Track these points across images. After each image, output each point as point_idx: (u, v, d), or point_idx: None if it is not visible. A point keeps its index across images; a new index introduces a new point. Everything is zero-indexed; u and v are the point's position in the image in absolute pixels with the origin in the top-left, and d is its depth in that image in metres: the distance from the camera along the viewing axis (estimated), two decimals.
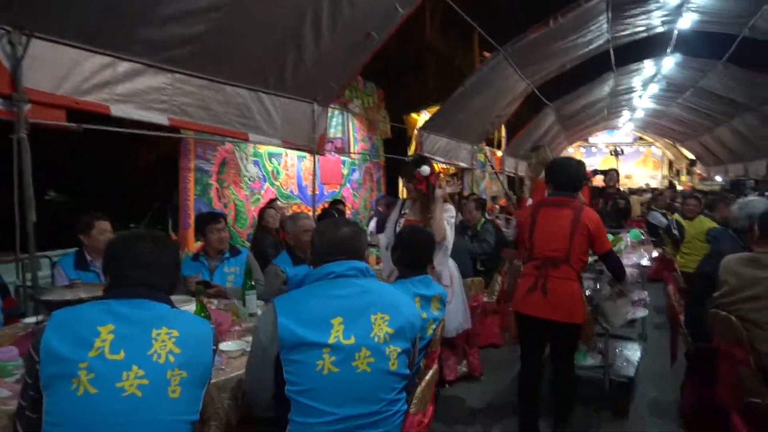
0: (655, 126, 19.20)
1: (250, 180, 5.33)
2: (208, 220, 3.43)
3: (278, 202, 5.06)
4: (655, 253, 4.37)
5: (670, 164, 23.80)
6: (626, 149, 24.91)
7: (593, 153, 25.90)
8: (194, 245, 4.60)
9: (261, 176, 5.54)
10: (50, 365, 1.38)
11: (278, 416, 1.78)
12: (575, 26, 7.63)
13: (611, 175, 7.21)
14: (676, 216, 5.71)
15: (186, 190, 4.45)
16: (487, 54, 16.60)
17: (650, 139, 23.29)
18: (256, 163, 5.47)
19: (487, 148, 12.08)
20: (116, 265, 1.59)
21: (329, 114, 5.73)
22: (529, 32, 7.30)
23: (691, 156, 19.97)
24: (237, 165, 5.15)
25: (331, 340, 1.71)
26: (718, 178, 18.26)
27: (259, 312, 2.78)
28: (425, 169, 3.32)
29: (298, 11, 4.21)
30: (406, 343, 1.84)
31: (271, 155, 5.76)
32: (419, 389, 1.87)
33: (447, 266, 3.43)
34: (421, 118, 10.97)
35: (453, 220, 3.43)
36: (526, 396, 3.11)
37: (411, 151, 10.66)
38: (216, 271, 3.36)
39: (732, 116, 12.92)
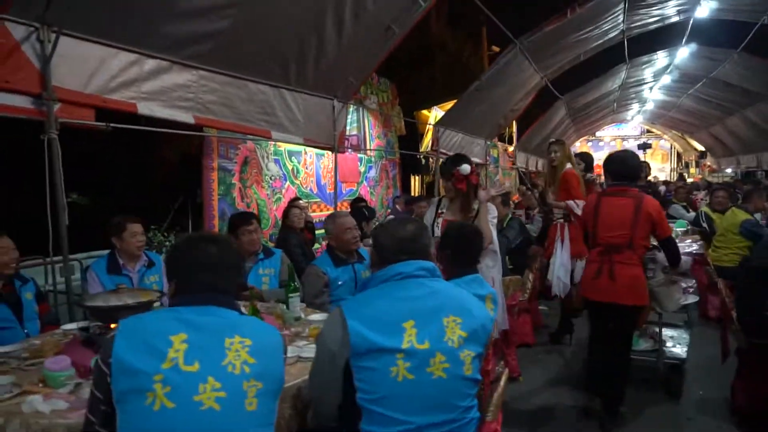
0: (664, 118, 19.03)
1: (271, 179, 5.24)
2: (240, 221, 3.34)
3: (301, 202, 4.96)
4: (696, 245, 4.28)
5: (679, 156, 23.65)
6: (634, 142, 24.84)
7: (600, 147, 25.74)
8: None
9: (282, 175, 5.44)
10: (123, 378, 1.28)
11: (344, 427, 1.68)
12: (592, 17, 7.50)
13: (643, 168, 7.09)
14: (705, 209, 5.60)
15: (210, 189, 4.36)
16: (495, 48, 16.48)
17: (658, 132, 23.13)
18: (276, 161, 5.38)
19: (499, 143, 11.98)
20: (181, 269, 1.49)
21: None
22: (545, 24, 7.18)
23: (701, 148, 19.80)
24: (258, 164, 5.05)
25: (405, 345, 1.61)
26: (729, 170, 18.13)
27: (304, 316, 2.69)
28: (465, 168, 3.22)
29: (321, 4, 4.12)
30: (480, 347, 1.74)
31: (291, 153, 5.66)
32: (495, 396, 1.78)
33: (498, 271, 3.31)
34: (432, 114, 10.88)
35: (495, 221, 3.32)
36: (600, 376, 3.26)
37: (423, 147, 10.57)
38: (250, 272, 3.26)
39: (745, 106, 12.77)
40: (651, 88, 14.45)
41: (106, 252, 3.48)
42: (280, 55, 4.30)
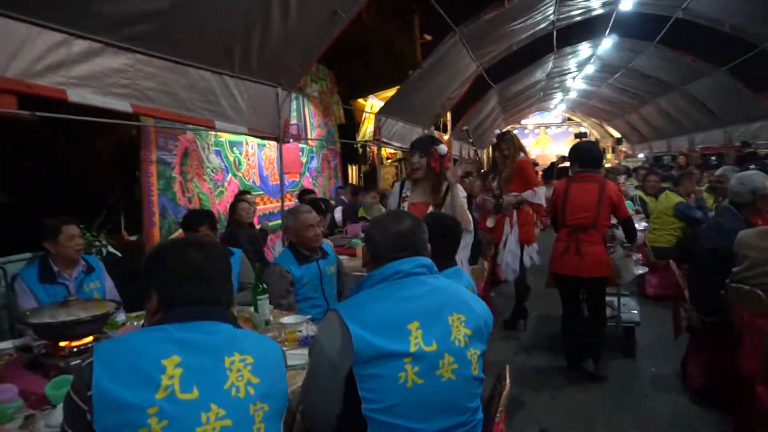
0: (584, 106, 20.04)
1: (213, 171, 4.90)
2: (195, 222, 3.10)
3: (249, 195, 4.69)
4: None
5: (597, 143, 25.02)
6: (556, 130, 26.00)
7: (525, 134, 26.78)
8: None
9: (224, 167, 5.11)
10: (109, 414, 1.08)
11: None
12: (527, 7, 7.68)
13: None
14: (639, 192, 5.89)
15: (149, 184, 3.99)
16: (428, 37, 16.56)
17: (578, 119, 24.32)
18: (218, 153, 5.04)
19: (435, 132, 12.06)
20: (166, 280, 1.29)
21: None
22: (484, 13, 7.24)
23: (617, 134, 21.04)
24: (199, 156, 4.71)
25: (413, 349, 1.51)
26: (641, 155, 19.41)
27: (272, 319, 2.50)
28: (443, 148, 3.13)
29: None
30: (483, 345, 1.66)
31: (232, 144, 5.34)
32: (503, 395, 1.71)
33: (466, 254, 3.25)
34: (368, 102, 10.76)
35: (465, 202, 3.23)
36: (572, 335, 3.78)
37: (360, 136, 10.44)
38: None
39: (659, 95, 13.68)
40: (574, 78, 15.12)
41: (29, 255, 3.11)
42: (224, 40, 4.01)
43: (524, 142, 25.03)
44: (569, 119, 24.91)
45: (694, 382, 3.24)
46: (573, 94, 17.85)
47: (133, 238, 5.13)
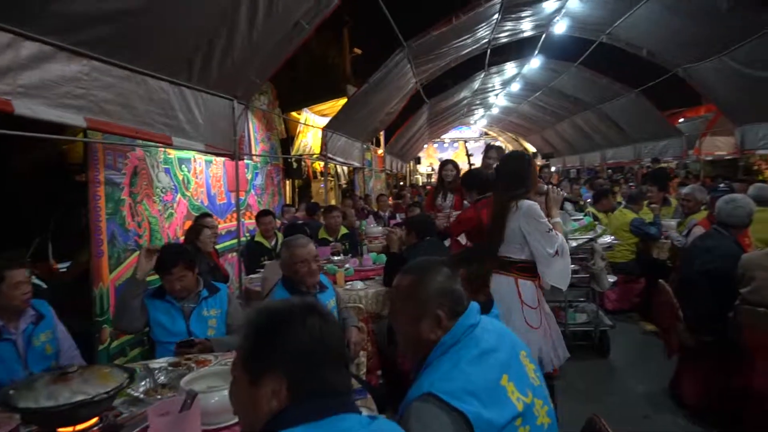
0: (504, 122, 20.89)
1: (162, 192, 4.37)
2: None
3: (209, 219, 4.22)
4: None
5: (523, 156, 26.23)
6: (474, 144, 26.96)
7: (445, 148, 27.55)
8: (110, 279, 3.62)
9: (173, 186, 4.59)
10: None
11: None
12: (470, 24, 7.78)
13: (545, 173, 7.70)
14: (592, 209, 6.08)
15: (96, 208, 3.44)
16: (357, 51, 16.47)
17: (494, 134, 25.34)
18: (167, 171, 4.51)
19: (372, 146, 11.95)
20: (296, 362, 0.99)
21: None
22: (433, 29, 7.24)
23: (533, 149, 22.13)
24: (149, 174, 4.17)
25: (519, 407, 1.33)
26: (553, 169, 20.57)
27: None
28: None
29: None
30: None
31: (181, 161, 4.81)
32: None
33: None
34: (303, 116, 10.43)
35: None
36: None
37: (294, 150, 10.07)
38: (193, 315, 2.60)
39: (575, 113, 14.52)
40: (497, 95, 15.70)
41: None
42: (186, 48, 3.60)
43: (443, 155, 25.78)
44: (486, 134, 25.90)
45: (689, 401, 3.29)
46: (495, 110, 18.55)
47: (63, 267, 4.46)
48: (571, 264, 4.35)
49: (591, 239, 4.27)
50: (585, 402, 3.62)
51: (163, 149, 4.38)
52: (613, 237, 4.86)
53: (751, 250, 3.20)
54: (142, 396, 1.97)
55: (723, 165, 13.94)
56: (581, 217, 5.24)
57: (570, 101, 13.74)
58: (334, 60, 13.72)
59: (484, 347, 1.40)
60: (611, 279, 4.48)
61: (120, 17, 2.88)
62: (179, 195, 4.71)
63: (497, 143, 25.93)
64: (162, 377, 2.15)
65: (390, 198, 11.61)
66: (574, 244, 4.34)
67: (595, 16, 8.41)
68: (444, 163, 5.27)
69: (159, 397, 1.96)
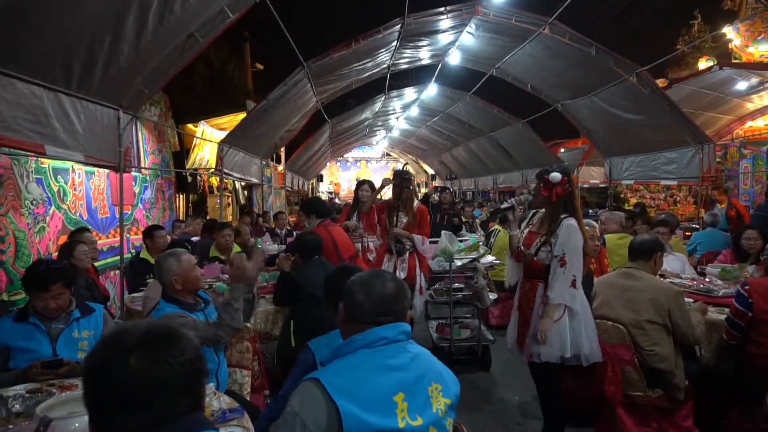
0: (404, 144, 21.60)
1: (32, 204, 4.02)
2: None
3: (88, 234, 3.92)
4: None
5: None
6: (376, 164, 27.56)
7: (348, 167, 27.90)
8: None
9: (46, 198, 4.23)
10: None
11: None
12: (370, 50, 8.04)
13: (445, 195, 7.96)
14: (497, 226, 6.43)
15: None
16: (259, 66, 16.26)
17: (396, 155, 26.11)
18: (39, 181, 4.15)
19: (272, 163, 11.80)
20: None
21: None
22: (333, 51, 7.39)
23: (431, 171, 23.08)
24: (16, 185, 3.81)
25: (401, 424, 1.39)
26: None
27: None
28: (555, 176, 2.98)
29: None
30: (455, 414, 1.62)
31: (57, 172, 4.45)
32: None
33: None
34: (200, 128, 10.11)
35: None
36: None
37: (189, 164, 9.70)
38: (60, 338, 2.41)
39: (469, 138, 15.41)
40: (398, 118, 16.24)
41: None
42: (64, 51, 3.39)
43: (346, 174, 26.08)
44: (388, 154, 26.62)
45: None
46: (395, 132, 19.14)
47: None
48: (456, 282, 4.68)
49: (474, 259, 4.53)
50: (467, 412, 3.84)
51: (34, 158, 4.05)
52: (495, 257, 5.19)
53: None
54: None
55: (597, 192, 15.44)
56: (467, 237, 5.58)
57: (465, 127, 14.57)
58: (233, 74, 13.45)
59: (392, 363, 1.48)
60: (493, 296, 4.79)
61: None
62: (53, 207, 4.36)
63: (404, 165, 26.78)
64: (17, 405, 1.98)
65: (291, 216, 11.52)
66: (459, 263, 4.63)
67: (485, 51, 9.05)
68: (360, 183, 5.31)
69: (11, 426, 1.81)
